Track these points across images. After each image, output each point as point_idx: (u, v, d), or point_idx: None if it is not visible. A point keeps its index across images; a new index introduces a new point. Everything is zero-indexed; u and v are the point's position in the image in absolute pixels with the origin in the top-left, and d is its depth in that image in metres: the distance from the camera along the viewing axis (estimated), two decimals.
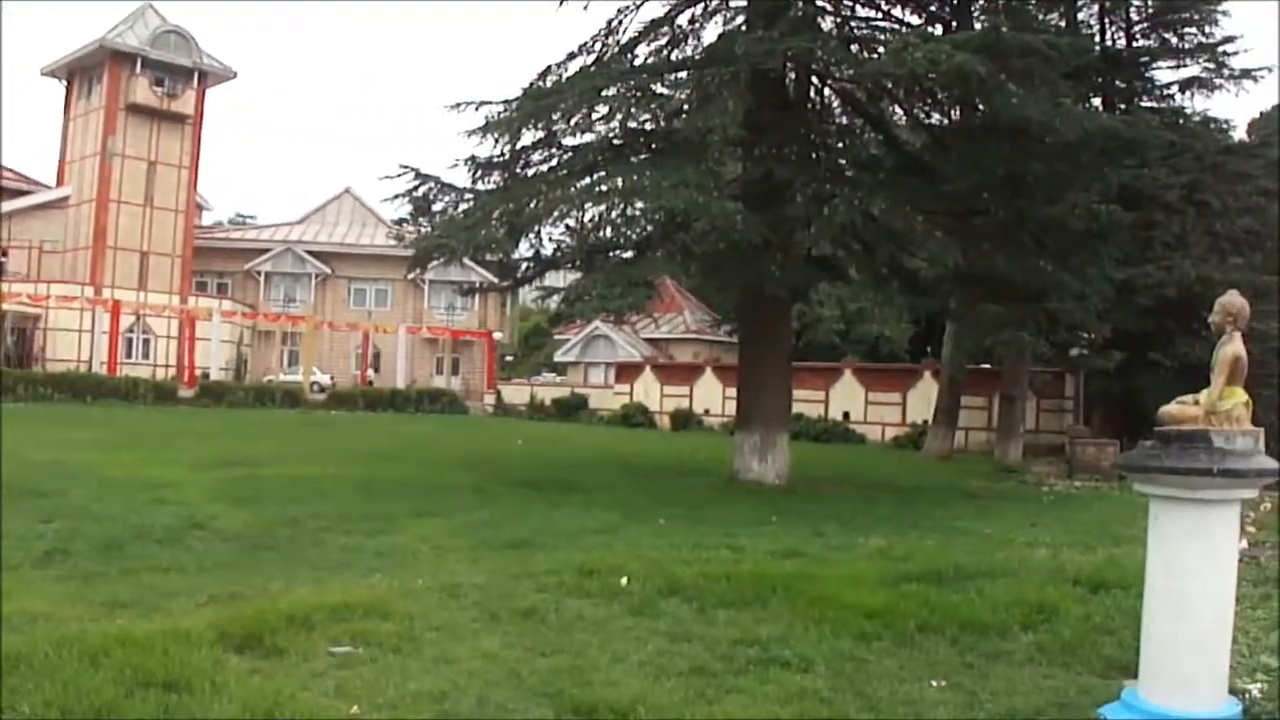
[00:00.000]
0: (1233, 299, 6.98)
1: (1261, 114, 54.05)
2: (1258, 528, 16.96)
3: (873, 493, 22.53)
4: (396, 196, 24.45)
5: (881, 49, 22.49)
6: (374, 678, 7.18)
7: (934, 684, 7.61)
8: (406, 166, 23.94)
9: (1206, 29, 36.12)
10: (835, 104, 26.03)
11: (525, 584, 10.44)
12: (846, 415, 46.34)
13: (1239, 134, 45.45)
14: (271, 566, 11.51)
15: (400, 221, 63.29)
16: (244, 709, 6.26)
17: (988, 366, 40.20)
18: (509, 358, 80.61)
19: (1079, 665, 8.20)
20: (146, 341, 61.61)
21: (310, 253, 73.08)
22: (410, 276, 53.93)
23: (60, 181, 66.28)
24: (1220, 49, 35.72)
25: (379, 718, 6.45)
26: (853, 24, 24.66)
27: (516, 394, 60.24)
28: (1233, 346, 6.76)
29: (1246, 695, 7.14)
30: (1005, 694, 7.39)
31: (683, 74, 24.02)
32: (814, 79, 24.04)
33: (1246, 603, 10.30)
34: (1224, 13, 35.70)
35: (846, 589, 10.26)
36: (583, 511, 17.09)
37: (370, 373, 65.65)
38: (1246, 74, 35.96)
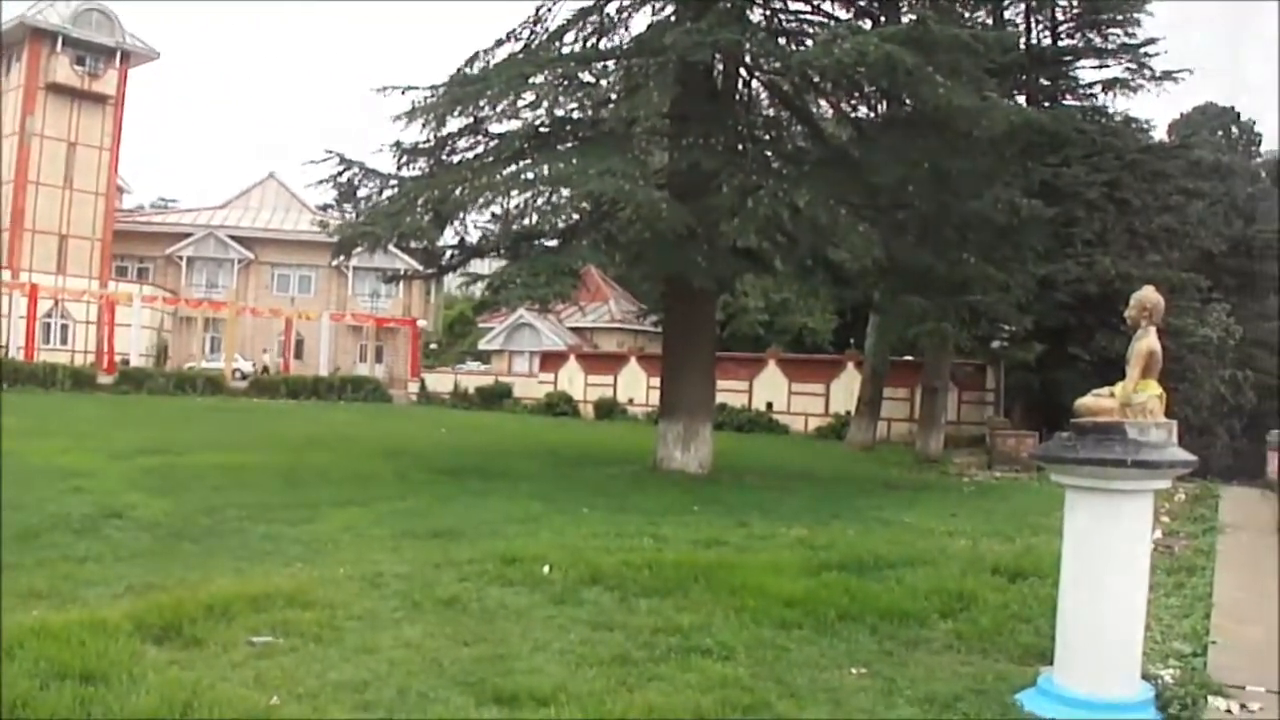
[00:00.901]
0: (1148, 294, 7.10)
1: (1182, 114, 55.01)
2: (1172, 518, 17.29)
3: (795, 482, 22.67)
4: (321, 182, 24.25)
5: (809, 41, 22.60)
6: (294, 668, 7.13)
7: (854, 671, 7.68)
8: (331, 152, 23.73)
9: (1129, 30, 36.69)
10: (762, 96, 26.15)
11: (447, 573, 10.40)
12: (770, 406, 46.55)
13: (1159, 134, 46.22)
14: (191, 556, 11.38)
15: (325, 207, 62.86)
16: (162, 700, 6.18)
17: (910, 358, 40.54)
18: (433, 345, 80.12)
19: (997, 652, 8.31)
20: (65, 327, 60.58)
21: (233, 238, 72.21)
22: (334, 263, 53.44)
23: None
24: (1142, 50, 36.27)
25: (298, 708, 6.40)
26: (781, 16, 24.76)
27: (441, 382, 59.87)
28: (1147, 341, 6.88)
29: (1159, 681, 7.27)
30: (924, 681, 7.48)
31: (610, 63, 23.99)
32: (741, 70, 24.12)
33: (1160, 590, 10.51)
34: (1148, 13, 36.27)
35: (768, 578, 10.32)
36: (505, 500, 17.05)
37: (265, 361, 64.75)
38: (1167, 75, 36.58)
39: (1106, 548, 6.65)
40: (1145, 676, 7.14)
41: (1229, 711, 6.93)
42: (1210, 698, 7.07)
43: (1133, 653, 6.91)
